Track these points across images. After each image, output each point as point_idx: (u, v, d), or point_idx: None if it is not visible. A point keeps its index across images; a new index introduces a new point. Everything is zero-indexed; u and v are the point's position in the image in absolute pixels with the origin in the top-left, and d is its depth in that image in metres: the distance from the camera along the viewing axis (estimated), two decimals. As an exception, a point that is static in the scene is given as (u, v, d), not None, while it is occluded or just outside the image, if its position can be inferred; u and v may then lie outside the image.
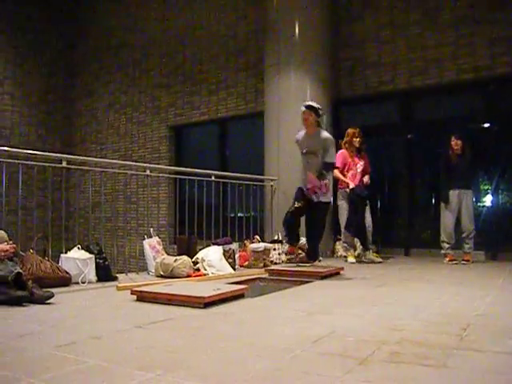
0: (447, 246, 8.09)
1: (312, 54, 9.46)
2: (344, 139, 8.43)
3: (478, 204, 9.25)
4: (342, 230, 8.34)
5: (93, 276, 5.65)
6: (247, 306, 4.23)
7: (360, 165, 8.37)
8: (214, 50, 12.32)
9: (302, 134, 6.89)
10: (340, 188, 8.36)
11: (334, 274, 6.36)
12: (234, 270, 6.76)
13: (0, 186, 5.60)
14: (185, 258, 6.23)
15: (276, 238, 8.28)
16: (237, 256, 7.28)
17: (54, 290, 4.37)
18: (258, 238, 8.16)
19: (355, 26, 10.35)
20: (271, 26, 9.82)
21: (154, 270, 6.39)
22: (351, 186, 8.13)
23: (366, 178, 8.33)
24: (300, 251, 7.72)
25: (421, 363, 2.46)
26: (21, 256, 5.06)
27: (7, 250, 4.25)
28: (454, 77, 9.24)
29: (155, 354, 2.64)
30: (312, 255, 7.02)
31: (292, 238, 7.03)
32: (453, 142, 8.09)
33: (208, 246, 7.00)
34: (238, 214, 9.11)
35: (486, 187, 9.39)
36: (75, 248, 5.76)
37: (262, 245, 7.54)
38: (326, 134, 6.66)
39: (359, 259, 8.22)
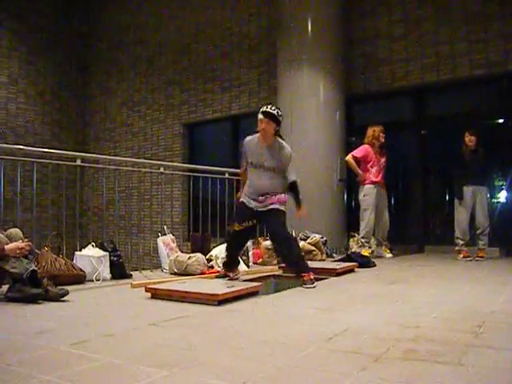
0: (461, 242, 8.04)
1: (325, 50, 9.43)
2: (369, 136, 8.43)
3: (493, 200, 9.18)
4: (363, 226, 8.33)
5: (107, 274, 5.66)
6: (261, 304, 4.22)
7: (383, 161, 8.45)
8: (226, 47, 12.31)
9: (254, 141, 5.68)
10: (363, 184, 8.37)
11: (349, 271, 6.34)
12: (248, 267, 6.75)
13: (15, 185, 5.63)
14: (199, 255, 6.23)
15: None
16: (250, 253, 7.26)
17: (68, 288, 4.38)
18: (271, 235, 8.13)
19: (368, 22, 10.31)
20: (284, 22, 9.80)
21: (167, 268, 6.40)
22: (372, 177, 8.31)
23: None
24: (314, 248, 7.70)
25: (435, 360, 2.45)
26: (35, 254, 5.08)
27: (22, 248, 4.26)
28: (467, 72, 9.19)
29: (169, 352, 2.64)
30: (301, 266, 5.43)
31: (232, 263, 5.85)
32: (467, 138, 8.03)
33: (222, 243, 7.00)
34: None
35: (500, 183, 9.32)
36: (89, 246, 5.77)
37: (275, 242, 7.51)
38: (289, 149, 5.64)
39: (372, 255, 8.21)
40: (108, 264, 5.71)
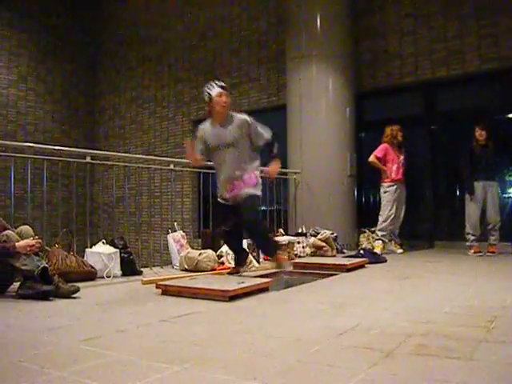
0: (472, 237, 8.00)
1: (334, 45, 9.39)
2: (387, 135, 8.48)
3: (504, 195, 9.14)
4: (381, 222, 8.35)
5: (118, 270, 5.68)
6: (272, 300, 4.22)
7: (402, 158, 8.54)
8: (235, 44, 12.30)
9: (207, 126, 5.55)
10: (384, 181, 8.44)
11: (359, 267, 6.33)
12: (258, 263, 6.75)
13: (25, 182, 5.65)
14: (209, 251, 6.24)
15: (300, 231, 8.26)
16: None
17: (79, 285, 4.40)
18: (281, 231, 8.14)
19: (377, 17, 10.26)
20: (293, 18, 9.77)
21: (178, 264, 6.41)
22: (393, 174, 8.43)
23: None
24: (325, 244, 7.71)
25: (447, 356, 2.43)
26: (46, 251, 5.11)
27: (33, 245, 4.27)
28: (477, 67, 9.13)
29: (181, 348, 2.65)
30: (270, 250, 5.65)
31: (240, 257, 5.81)
32: (477, 133, 7.99)
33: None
34: (262, 208, 9.08)
35: (511, 178, 9.28)
36: (100, 243, 5.79)
37: (285, 238, 7.51)
38: (243, 115, 5.49)
39: (383, 251, 8.20)
40: (118, 261, 5.72)
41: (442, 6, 9.49)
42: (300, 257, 7.56)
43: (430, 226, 9.76)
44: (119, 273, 5.70)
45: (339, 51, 9.44)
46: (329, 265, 6.24)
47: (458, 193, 9.54)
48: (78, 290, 4.29)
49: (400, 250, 8.39)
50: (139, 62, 14.51)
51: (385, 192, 8.43)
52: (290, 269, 5.34)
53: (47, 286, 4.16)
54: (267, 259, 6.17)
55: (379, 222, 8.37)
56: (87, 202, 7.39)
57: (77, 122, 15.32)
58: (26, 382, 2.12)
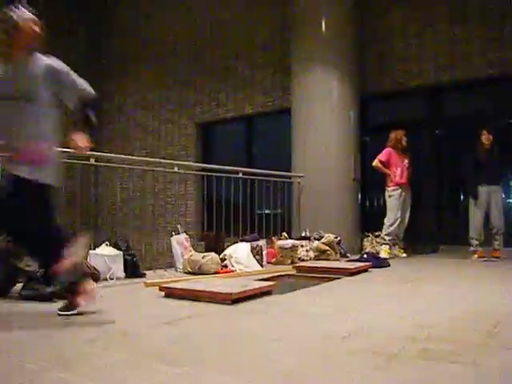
0: (476, 242, 8.00)
1: (338, 49, 9.39)
2: (391, 140, 8.50)
3: (508, 200, 9.13)
4: (387, 226, 8.34)
5: (121, 272, 5.68)
6: (275, 303, 4.21)
7: (406, 162, 8.55)
8: (240, 47, 12.31)
9: None
10: (388, 186, 8.43)
11: (362, 271, 6.32)
12: (262, 266, 6.75)
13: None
14: (213, 254, 6.24)
15: (303, 234, 8.26)
16: (264, 253, 7.26)
17: (82, 286, 4.39)
18: (285, 234, 8.14)
19: (382, 20, 10.27)
20: (297, 21, 9.77)
21: (181, 267, 6.41)
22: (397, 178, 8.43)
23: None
24: (328, 248, 7.70)
25: (450, 360, 2.43)
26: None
27: (37, 247, 4.27)
28: (482, 71, 9.13)
29: (183, 350, 2.64)
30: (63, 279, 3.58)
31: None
32: (484, 137, 7.98)
33: (236, 242, 7.00)
34: (266, 211, 9.09)
35: (515, 183, 9.29)
36: (103, 245, 5.79)
37: (289, 241, 7.52)
38: (50, 60, 4.05)
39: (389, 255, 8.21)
40: (122, 263, 5.73)
41: (447, 10, 9.50)
42: (303, 260, 7.56)
43: (434, 230, 9.74)
44: (122, 275, 5.70)
45: (344, 54, 9.44)
46: (332, 269, 6.23)
47: (462, 197, 9.54)
48: (81, 291, 4.28)
49: (404, 255, 8.40)
50: (144, 65, 14.52)
51: (389, 196, 8.43)
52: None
53: (50, 287, 4.16)
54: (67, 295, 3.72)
55: (385, 227, 8.36)
56: (91, 204, 7.39)
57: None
58: (28, 383, 2.12)
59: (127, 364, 2.39)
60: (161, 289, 4.53)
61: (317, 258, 7.67)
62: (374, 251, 8.31)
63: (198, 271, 6.02)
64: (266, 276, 5.97)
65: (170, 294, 4.43)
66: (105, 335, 2.96)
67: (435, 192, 9.90)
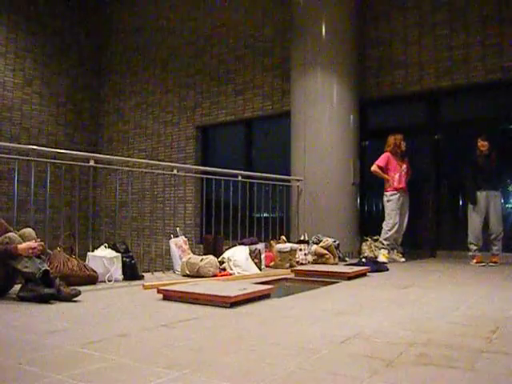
0: (475, 247, 8.00)
1: (338, 53, 9.41)
2: (390, 144, 8.51)
3: (506, 205, 9.14)
4: (386, 230, 8.34)
5: (119, 274, 5.67)
6: (273, 306, 4.21)
7: (405, 167, 8.58)
8: (240, 50, 12.32)
9: None
10: (387, 190, 8.46)
11: (361, 275, 6.32)
12: (260, 270, 6.75)
13: (28, 185, 5.65)
14: (211, 257, 6.23)
15: (302, 238, 8.25)
16: (263, 256, 7.26)
17: (80, 288, 4.39)
18: (284, 238, 8.13)
19: (382, 25, 10.29)
20: (298, 25, 9.78)
21: (179, 270, 6.41)
22: (395, 183, 8.47)
23: None
24: (326, 252, 7.71)
25: (449, 365, 2.42)
26: (48, 254, 5.11)
27: (35, 248, 4.27)
28: (481, 77, 9.14)
29: (181, 353, 2.64)
30: None
31: None
32: (480, 144, 8.01)
33: (234, 245, 7.00)
34: (264, 214, 9.09)
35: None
36: (102, 246, 5.79)
37: (288, 245, 7.51)
38: None
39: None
40: (120, 265, 5.72)
41: (447, 15, 9.51)
42: (302, 264, 7.56)
43: (433, 235, 9.74)
44: (121, 277, 5.69)
45: (344, 59, 9.46)
46: (330, 273, 6.23)
47: (460, 202, 9.54)
48: (79, 293, 4.29)
49: (402, 259, 8.41)
50: (144, 67, 14.54)
51: (388, 201, 8.44)
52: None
53: (48, 289, 4.16)
54: None
55: (384, 231, 8.37)
56: (90, 205, 7.39)
57: (81, 126, 15.34)
58: (25, 385, 2.11)
59: (125, 367, 2.39)
60: (159, 291, 4.53)
61: (315, 262, 7.67)
62: (373, 255, 8.33)
63: (196, 274, 6.02)
64: (264, 279, 5.96)
65: (168, 296, 4.42)
66: (102, 337, 2.96)
67: (434, 197, 9.90)
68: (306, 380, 2.22)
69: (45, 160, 5.87)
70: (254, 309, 4.02)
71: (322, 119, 9.27)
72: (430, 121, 10.03)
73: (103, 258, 5.56)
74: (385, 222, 8.43)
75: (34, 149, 5.60)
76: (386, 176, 8.44)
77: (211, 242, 7.23)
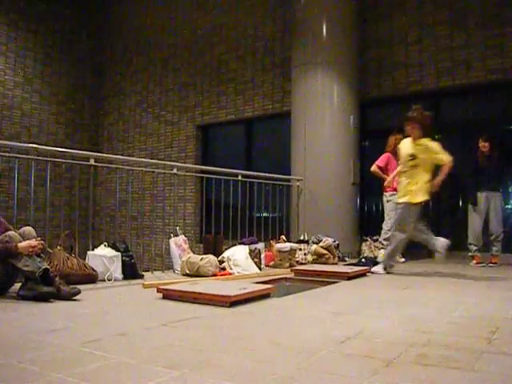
0: (475, 248, 8.00)
1: (339, 53, 9.41)
2: (390, 145, 8.50)
3: (507, 206, 9.13)
4: (385, 230, 8.34)
5: (119, 273, 5.67)
6: (273, 306, 4.21)
7: None
8: (241, 50, 12.32)
9: None
10: (386, 190, 8.44)
11: (361, 275, 6.31)
12: (260, 269, 6.75)
13: (28, 184, 5.65)
14: (211, 256, 6.23)
15: (302, 238, 8.25)
16: (262, 256, 7.26)
17: (80, 287, 4.39)
18: (283, 237, 8.13)
19: (382, 26, 10.29)
20: (298, 25, 9.78)
21: (179, 269, 6.40)
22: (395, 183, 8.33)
23: None
24: (326, 252, 7.71)
25: (448, 366, 2.42)
26: (48, 252, 5.10)
27: (35, 246, 4.27)
28: (482, 78, 9.14)
29: (181, 352, 2.64)
30: None
31: None
32: (480, 144, 8.01)
33: (234, 245, 7.00)
34: (264, 214, 9.09)
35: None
36: (102, 245, 5.79)
37: (287, 245, 7.51)
38: None
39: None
40: (120, 264, 5.72)
41: (447, 15, 9.51)
42: (302, 264, 7.56)
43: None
44: (120, 276, 5.69)
45: (345, 59, 9.46)
46: (330, 272, 6.23)
47: (461, 203, 9.54)
48: (78, 292, 4.28)
49: (402, 259, 8.39)
50: (145, 66, 14.54)
51: (387, 201, 8.44)
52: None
53: (48, 287, 4.16)
54: None
55: (383, 231, 8.37)
56: (90, 204, 7.38)
57: (81, 125, 15.34)
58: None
59: (124, 366, 2.38)
60: (159, 290, 4.52)
61: (315, 262, 7.67)
62: (372, 256, 8.31)
63: (196, 273, 6.02)
64: (264, 279, 5.96)
65: (168, 295, 4.42)
66: (102, 336, 2.95)
67: (434, 197, 9.88)
68: (305, 380, 2.22)
69: (45, 159, 5.87)
70: (254, 308, 4.02)
71: (322, 119, 9.27)
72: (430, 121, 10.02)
73: (103, 256, 5.56)
74: (384, 223, 8.43)
75: (35, 147, 5.60)
76: (385, 176, 8.43)
77: (211, 242, 7.22)
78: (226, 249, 6.84)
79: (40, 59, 14.34)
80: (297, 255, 7.63)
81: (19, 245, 4.21)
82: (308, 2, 9.63)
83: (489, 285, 5.74)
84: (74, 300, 4.21)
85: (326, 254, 7.70)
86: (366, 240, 8.84)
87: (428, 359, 2.53)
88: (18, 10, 13.83)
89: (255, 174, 8.93)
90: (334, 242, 8.00)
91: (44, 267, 4.23)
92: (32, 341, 2.86)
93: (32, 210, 5.92)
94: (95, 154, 6.38)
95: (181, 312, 3.80)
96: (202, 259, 6.12)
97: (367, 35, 10.32)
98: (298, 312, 3.98)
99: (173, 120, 13.73)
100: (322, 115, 9.28)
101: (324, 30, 9.39)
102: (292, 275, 6.52)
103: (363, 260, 7.51)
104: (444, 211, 9.92)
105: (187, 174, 9.03)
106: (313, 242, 8.00)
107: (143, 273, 6.18)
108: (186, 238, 7.01)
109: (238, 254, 6.47)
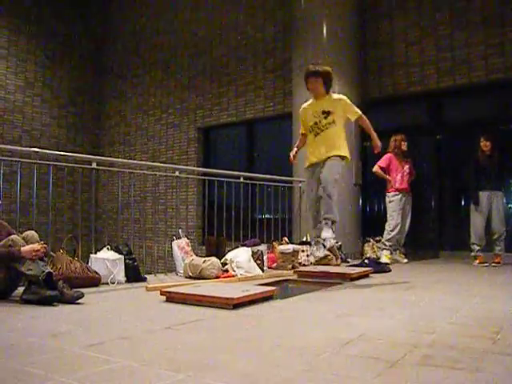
0: (477, 248, 8.00)
1: (340, 54, 9.40)
2: (391, 146, 8.51)
3: (509, 205, 9.12)
4: (388, 231, 8.34)
5: (122, 276, 5.67)
6: (276, 308, 4.21)
7: (407, 167, 8.60)
8: (242, 52, 12.33)
9: None
10: (388, 191, 8.47)
11: (364, 276, 6.31)
12: (263, 271, 6.74)
13: (31, 187, 5.65)
14: (213, 259, 6.23)
15: (304, 239, 8.25)
16: (265, 258, 7.25)
17: (83, 290, 4.39)
18: (286, 239, 8.13)
19: (383, 25, 10.29)
20: (299, 27, 9.79)
21: (182, 271, 6.40)
22: (397, 183, 8.49)
23: None
24: (329, 253, 7.70)
25: (453, 367, 2.41)
26: (51, 256, 5.11)
27: (38, 250, 4.27)
28: (483, 77, 9.14)
29: (185, 355, 2.63)
30: None
31: None
32: (482, 143, 8.01)
33: (236, 247, 6.99)
34: (266, 216, 9.08)
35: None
36: (104, 248, 5.79)
37: (290, 246, 7.51)
38: None
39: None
40: (123, 267, 5.72)
41: (448, 15, 9.51)
42: (304, 265, 7.56)
43: (435, 235, 9.74)
44: (123, 279, 5.69)
45: (345, 59, 9.46)
46: (333, 274, 6.22)
47: (463, 202, 9.54)
48: (82, 295, 4.28)
49: (405, 260, 8.40)
50: (145, 69, 14.55)
51: (390, 201, 8.44)
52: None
53: (51, 291, 4.15)
54: None
55: (386, 232, 8.37)
56: (92, 208, 7.39)
57: (82, 128, 15.37)
58: (29, 388, 2.11)
59: (128, 369, 2.38)
60: (162, 293, 4.52)
61: (317, 263, 7.66)
62: (375, 256, 8.32)
63: (198, 276, 6.02)
64: (266, 281, 5.96)
65: (171, 298, 4.42)
66: (105, 339, 2.95)
67: (436, 197, 9.89)
68: (309, 382, 2.22)
69: (47, 162, 5.87)
70: (257, 310, 4.02)
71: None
72: (431, 121, 10.04)
73: (106, 259, 5.56)
74: (387, 223, 8.43)
75: (36, 151, 5.60)
76: (387, 177, 8.44)
77: (213, 244, 7.22)
78: (228, 251, 6.83)
79: (41, 63, 14.37)
80: (299, 257, 7.62)
81: (22, 249, 4.21)
82: (308, 3, 9.63)
83: (492, 285, 5.74)
84: (78, 303, 4.21)
85: (328, 256, 7.68)
86: (369, 241, 8.85)
87: (432, 360, 2.53)
88: (19, 14, 13.86)
89: (257, 175, 8.93)
90: (337, 243, 7.98)
91: (47, 271, 4.23)
92: (35, 344, 2.86)
93: (34, 213, 5.92)
94: (97, 157, 6.39)
95: (184, 315, 3.80)
96: (204, 261, 6.12)
97: (368, 35, 10.32)
98: (301, 314, 3.97)
99: (174, 122, 13.74)
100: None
101: (324, 31, 9.39)
102: (295, 277, 6.52)
103: (366, 261, 7.50)
104: (446, 211, 9.90)
105: (189, 176, 9.02)
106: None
107: (146, 275, 6.19)
108: (188, 241, 7.01)
109: (240, 256, 6.46)
